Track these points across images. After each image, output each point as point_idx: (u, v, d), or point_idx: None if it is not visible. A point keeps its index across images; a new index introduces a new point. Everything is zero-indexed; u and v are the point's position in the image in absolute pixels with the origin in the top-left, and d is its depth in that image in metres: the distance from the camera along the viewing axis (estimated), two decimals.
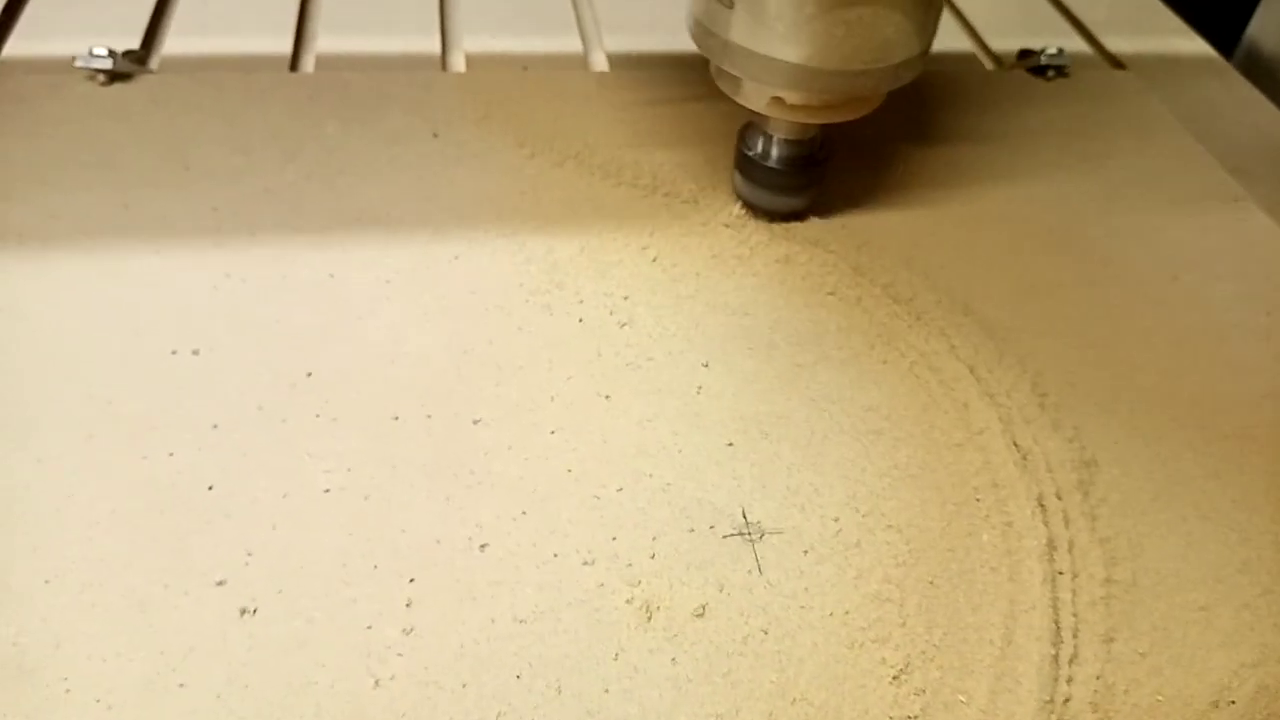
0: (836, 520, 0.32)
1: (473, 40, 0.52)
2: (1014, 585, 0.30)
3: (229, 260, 0.38)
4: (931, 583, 0.30)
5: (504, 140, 0.45)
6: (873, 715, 0.27)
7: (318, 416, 0.33)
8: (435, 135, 0.45)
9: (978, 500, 0.33)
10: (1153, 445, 0.35)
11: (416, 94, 0.47)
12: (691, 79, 0.49)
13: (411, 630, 0.28)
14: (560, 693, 0.27)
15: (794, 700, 0.27)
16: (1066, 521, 0.32)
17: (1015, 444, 0.34)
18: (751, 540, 0.31)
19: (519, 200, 0.42)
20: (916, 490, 0.33)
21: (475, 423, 0.33)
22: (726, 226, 0.42)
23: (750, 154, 0.40)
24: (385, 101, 0.46)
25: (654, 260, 0.40)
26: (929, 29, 0.36)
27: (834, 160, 0.41)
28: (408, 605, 0.28)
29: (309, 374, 0.34)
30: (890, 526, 0.32)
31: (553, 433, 0.33)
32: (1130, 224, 0.45)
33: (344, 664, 0.27)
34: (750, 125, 0.40)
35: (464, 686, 0.27)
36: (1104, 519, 0.33)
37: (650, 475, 0.33)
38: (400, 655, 0.27)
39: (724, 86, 0.38)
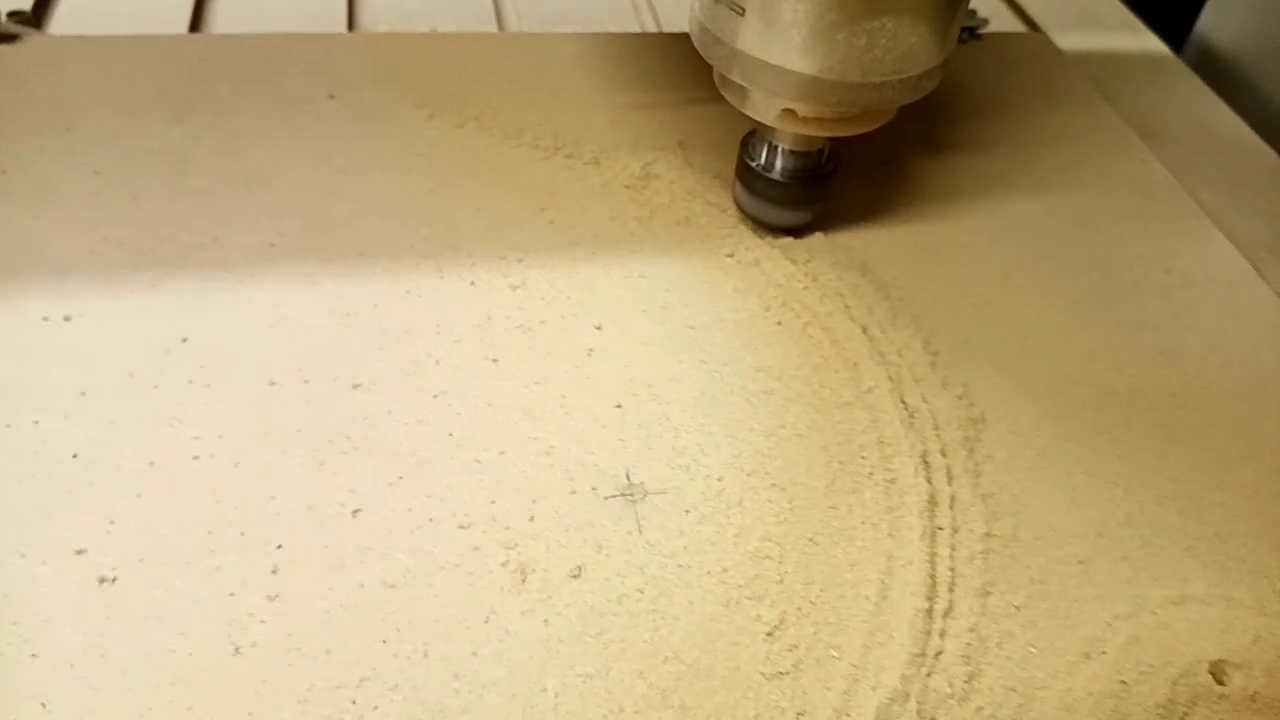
0: (720, 480, 0.32)
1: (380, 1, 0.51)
2: (893, 541, 0.30)
3: (108, 224, 0.37)
4: (812, 540, 0.30)
5: (403, 102, 0.44)
6: (744, 672, 0.27)
7: (191, 383, 0.32)
8: (332, 97, 0.44)
9: (862, 458, 0.33)
10: (1042, 402, 0.35)
11: (315, 55, 0.46)
12: (595, 40, 0.48)
13: (276, 597, 0.27)
14: (427, 656, 0.27)
15: (665, 659, 0.27)
16: (950, 478, 0.32)
17: (903, 402, 0.34)
18: (633, 501, 0.31)
19: (415, 162, 0.41)
20: (802, 449, 0.33)
21: (355, 387, 0.33)
22: (627, 188, 0.42)
23: (753, 164, 0.38)
24: (282, 63, 0.45)
25: (551, 222, 0.40)
26: (952, 36, 0.34)
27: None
28: (274, 572, 0.28)
29: (184, 339, 0.33)
30: (774, 485, 0.32)
31: (435, 397, 0.33)
32: (1035, 184, 0.45)
33: (204, 632, 0.26)
34: (754, 134, 0.38)
35: (328, 652, 0.26)
36: (988, 475, 0.33)
37: (535, 439, 0.32)
38: (263, 622, 0.27)
39: (729, 95, 0.36)
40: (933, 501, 0.32)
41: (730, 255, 0.39)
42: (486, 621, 0.28)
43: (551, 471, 0.31)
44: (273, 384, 0.33)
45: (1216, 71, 0.58)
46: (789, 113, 0.34)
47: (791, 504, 0.31)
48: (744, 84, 0.34)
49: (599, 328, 0.36)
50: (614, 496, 0.31)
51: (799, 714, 0.26)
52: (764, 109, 0.35)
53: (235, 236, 0.37)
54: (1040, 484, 0.33)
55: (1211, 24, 0.60)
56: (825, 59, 0.32)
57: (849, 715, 0.26)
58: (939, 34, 0.33)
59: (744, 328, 0.37)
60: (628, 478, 0.31)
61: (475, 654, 0.27)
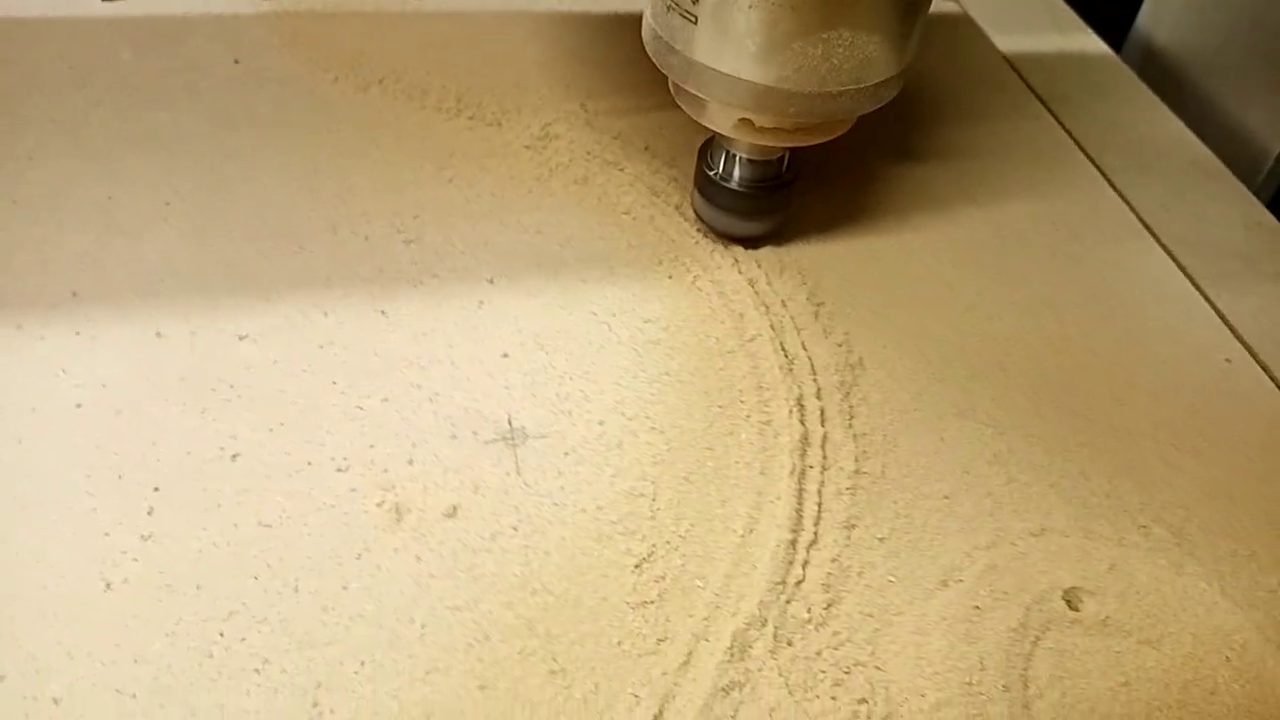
0: (601, 424, 0.32)
1: None
2: (764, 479, 0.31)
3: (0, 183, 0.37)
4: (686, 479, 0.31)
5: (308, 66, 0.45)
6: (611, 602, 0.28)
7: (78, 334, 0.33)
8: (236, 62, 0.44)
9: (741, 402, 0.33)
10: (921, 349, 0.36)
11: (221, 21, 0.46)
12: (507, 11, 0.49)
13: (150, 536, 0.28)
14: (297, 591, 0.27)
15: (534, 591, 0.28)
16: (824, 419, 0.33)
17: (784, 349, 0.35)
18: (513, 445, 0.32)
19: (317, 124, 0.42)
20: (683, 395, 0.34)
21: (241, 338, 0.33)
22: (527, 148, 0.42)
23: (711, 173, 0.37)
24: (187, 28, 0.45)
25: (450, 181, 0.40)
26: (912, 43, 0.33)
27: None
28: (149, 513, 0.28)
29: (74, 293, 0.34)
30: (654, 429, 0.33)
31: (321, 347, 0.33)
32: (931, 143, 0.46)
33: (77, 570, 0.27)
34: (712, 142, 0.37)
35: (198, 588, 0.27)
36: (861, 417, 0.34)
37: (419, 386, 0.33)
38: (136, 560, 0.27)
39: (685, 105, 0.35)
40: (805, 441, 0.33)
41: (626, 213, 0.40)
42: (359, 558, 0.28)
43: (434, 417, 0.32)
44: (159, 335, 0.33)
45: (1156, 68, 0.58)
46: (746, 122, 0.33)
47: (669, 446, 0.32)
48: (699, 94, 0.33)
49: (491, 281, 0.37)
50: (494, 441, 0.32)
51: (660, 640, 0.27)
52: (720, 119, 0.34)
53: (131, 196, 0.38)
54: (912, 424, 0.34)
55: (1151, 20, 0.60)
56: (781, 68, 0.31)
57: (707, 640, 0.27)
58: (898, 42, 0.32)
59: (635, 281, 0.37)
60: (509, 423, 0.32)
61: (345, 588, 0.28)
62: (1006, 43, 0.54)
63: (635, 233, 0.39)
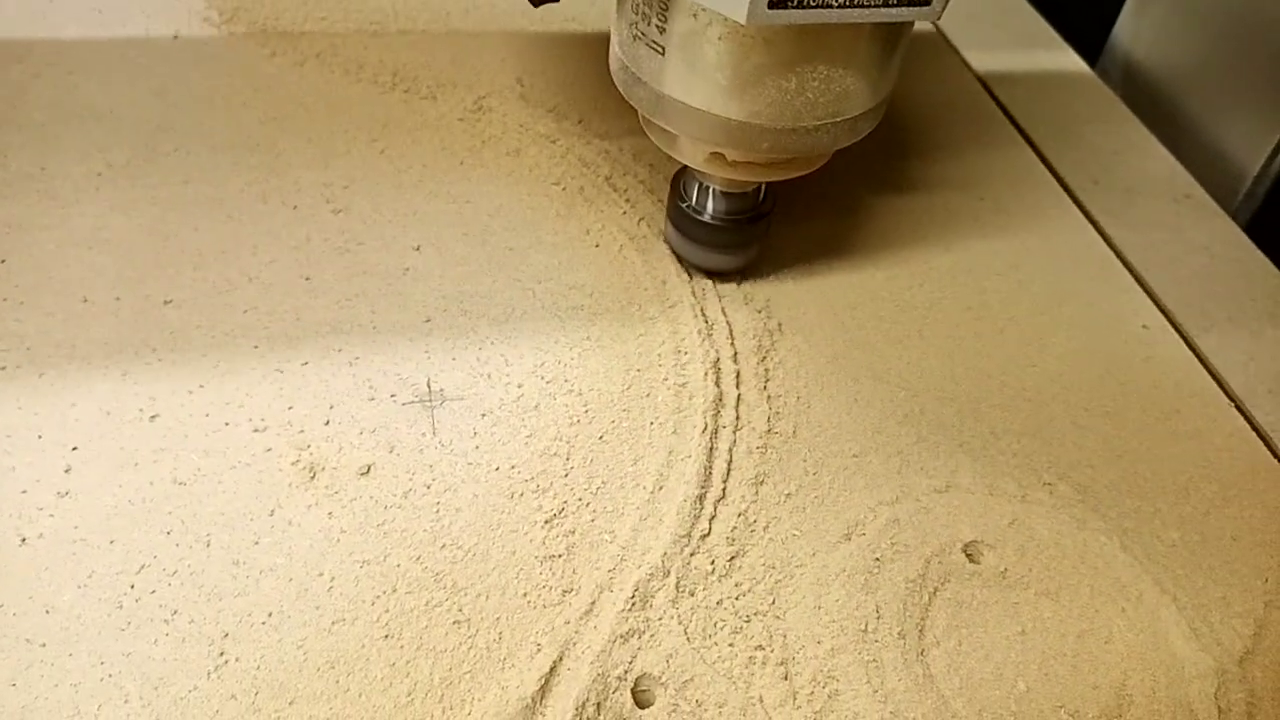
0: (520, 387, 0.33)
1: None
2: (676, 438, 0.32)
3: None
4: (600, 439, 0.32)
5: (246, 41, 0.45)
6: (519, 556, 0.29)
7: (4, 300, 0.33)
8: (175, 37, 0.45)
9: (659, 366, 0.34)
10: (839, 315, 0.37)
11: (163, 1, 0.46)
12: None
13: (67, 493, 0.28)
14: (209, 545, 0.28)
15: (444, 545, 0.29)
16: (739, 381, 0.34)
17: (704, 315, 0.36)
18: (431, 406, 0.32)
19: (250, 97, 0.42)
20: (603, 359, 0.34)
21: (166, 303, 0.34)
22: (460, 121, 0.43)
23: (684, 205, 0.36)
24: (128, 4, 0.46)
25: (381, 152, 0.41)
26: (891, 73, 0.31)
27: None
28: (66, 471, 0.29)
29: (3, 260, 0.34)
30: (572, 391, 0.33)
31: (245, 312, 0.34)
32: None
33: None
34: (685, 172, 0.36)
35: (111, 543, 0.28)
36: (777, 379, 0.34)
37: (339, 350, 0.33)
38: (52, 516, 0.28)
39: (654, 136, 0.34)
40: (719, 403, 0.33)
41: (557, 184, 0.41)
42: (271, 514, 0.29)
43: (352, 380, 0.33)
44: (85, 301, 0.33)
45: (1132, 84, 0.57)
46: (718, 156, 0.32)
47: (586, 408, 0.33)
48: (667, 128, 0.32)
49: (417, 249, 0.37)
50: (412, 403, 0.32)
51: (565, 591, 0.28)
52: (691, 153, 0.33)
53: (63, 166, 0.38)
54: (826, 387, 0.34)
55: (1128, 35, 0.58)
56: (753, 103, 0.29)
57: (610, 590, 0.28)
58: (877, 73, 0.30)
59: (561, 250, 0.38)
60: (428, 385, 0.33)
61: (257, 543, 0.28)
62: (981, 61, 0.53)
63: (564, 203, 0.40)
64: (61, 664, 0.25)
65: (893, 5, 0.27)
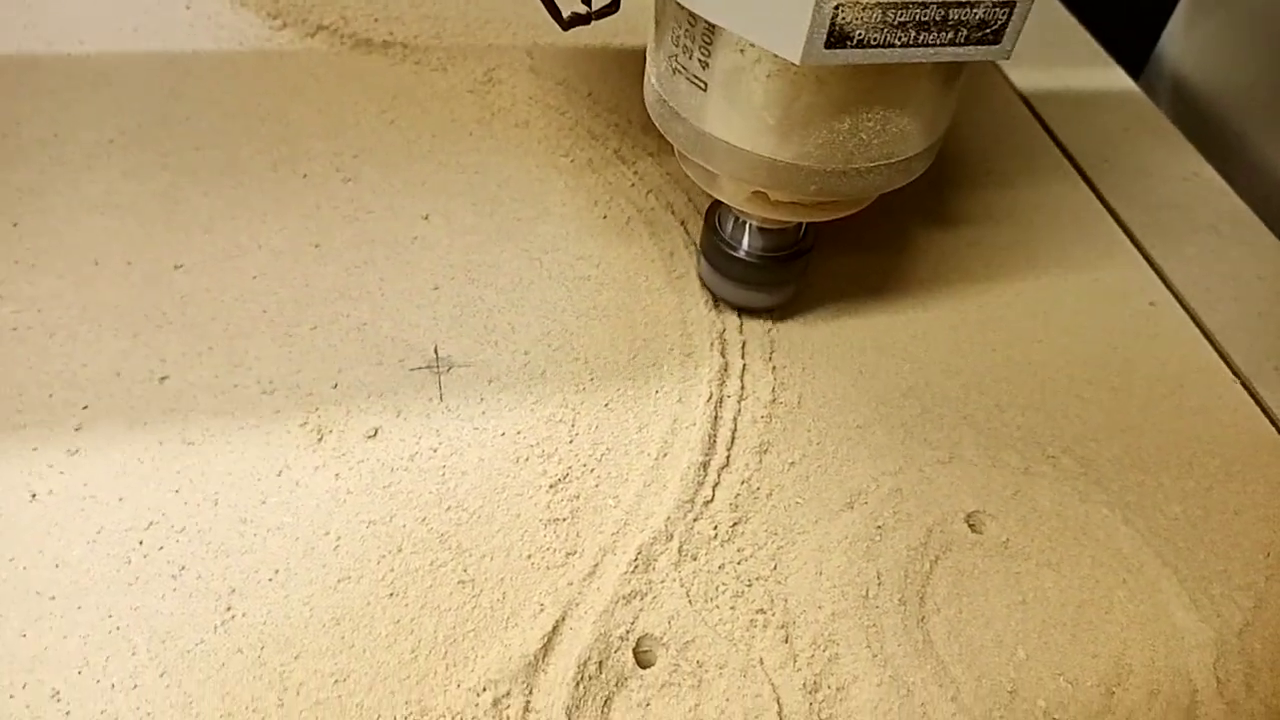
0: (527, 354, 0.33)
1: None
2: (681, 406, 0.32)
3: None
4: (606, 406, 0.32)
5: (258, 13, 0.45)
6: (524, 519, 0.29)
7: (16, 263, 0.33)
8: (188, 8, 0.45)
9: (665, 336, 0.34)
10: (844, 289, 0.37)
11: None
12: None
13: (77, 451, 0.29)
14: (217, 504, 0.28)
15: (449, 507, 0.29)
16: (744, 352, 0.34)
17: None
18: (438, 373, 0.32)
19: (262, 68, 0.42)
20: (609, 328, 0.34)
21: (176, 268, 0.34)
22: (470, 92, 0.43)
23: (718, 238, 0.33)
24: None
25: (391, 123, 0.41)
26: (948, 111, 0.29)
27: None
28: (77, 429, 0.29)
29: (15, 224, 0.34)
30: (578, 359, 0.33)
31: (255, 278, 0.34)
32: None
33: (4, 481, 0.28)
34: (722, 203, 0.33)
35: (120, 500, 0.28)
36: (782, 350, 0.34)
37: (348, 316, 0.34)
38: (62, 473, 0.28)
39: (692, 173, 0.32)
40: (725, 372, 0.33)
41: (565, 155, 0.41)
42: (279, 475, 0.29)
43: (360, 345, 0.33)
44: (96, 264, 0.34)
45: (1176, 102, 0.55)
46: (760, 195, 0.30)
47: (592, 376, 0.33)
48: (708, 167, 0.29)
49: (426, 218, 0.37)
50: (420, 368, 0.32)
51: (569, 554, 0.28)
52: (732, 192, 0.30)
53: (75, 133, 0.38)
54: (831, 359, 0.35)
55: (1171, 47, 0.56)
56: (802, 144, 0.27)
57: (614, 553, 0.28)
58: (934, 112, 0.28)
59: (569, 221, 0.38)
60: (435, 352, 0.33)
61: (264, 502, 0.28)
62: (1024, 79, 0.51)
63: (573, 175, 0.40)
64: (70, 616, 0.25)
65: (961, 44, 0.25)
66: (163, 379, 0.31)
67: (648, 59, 0.30)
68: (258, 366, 0.32)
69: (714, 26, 0.26)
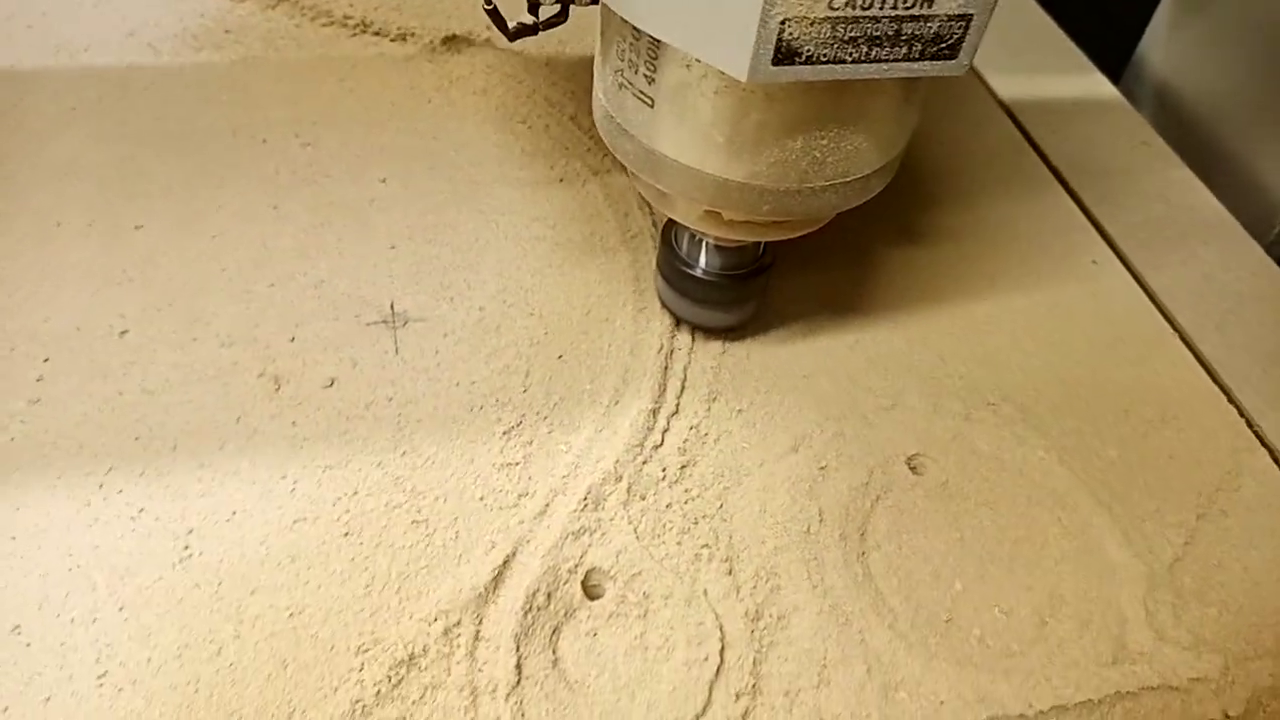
0: (482, 309, 0.34)
1: None
2: (633, 358, 0.33)
3: None
4: (560, 358, 0.33)
5: None
6: (477, 463, 0.30)
7: None
8: None
9: (619, 293, 0.35)
10: (798, 246, 0.38)
11: None
12: None
13: (38, 401, 0.29)
14: (175, 449, 0.29)
15: (405, 453, 0.30)
16: None
17: None
18: (394, 327, 0.33)
19: (221, 39, 0.43)
20: (564, 285, 0.35)
21: (136, 229, 0.35)
22: (429, 62, 0.44)
23: (675, 256, 0.32)
24: None
25: (350, 91, 0.42)
26: (909, 125, 0.28)
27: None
28: (38, 380, 0.30)
29: None
30: (533, 314, 0.34)
31: (213, 238, 0.35)
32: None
33: None
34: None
35: (80, 447, 0.28)
36: None
37: (305, 274, 0.34)
38: (23, 422, 0.29)
39: (643, 191, 0.30)
40: (676, 327, 0.34)
41: (523, 122, 0.42)
42: (237, 422, 0.30)
43: (317, 301, 0.33)
44: (58, 225, 0.34)
45: (1157, 109, 0.54)
46: (713, 214, 0.28)
47: (546, 330, 0.34)
48: (658, 186, 0.28)
49: (384, 181, 0.38)
50: (375, 323, 0.33)
51: (521, 495, 0.29)
52: (684, 210, 0.29)
53: (38, 103, 0.39)
54: (780, 314, 0.35)
55: (1154, 56, 0.54)
56: (753, 163, 0.26)
57: (564, 494, 0.29)
58: (891, 128, 0.27)
59: (526, 185, 0.39)
60: (391, 308, 0.34)
61: (222, 448, 0.29)
62: (1006, 86, 0.50)
63: (530, 140, 0.41)
64: (30, 555, 0.26)
65: (915, 59, 0.23)
66: (123, 333, 0.31)
67: (595, 74, 0.29)
68: (216, 322, 0.32)
69: (659, 40, 0.25)
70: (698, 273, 0.32)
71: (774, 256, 0.33)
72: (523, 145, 0.41)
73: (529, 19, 0.30)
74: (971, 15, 0.23)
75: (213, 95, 0.40)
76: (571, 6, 0.29)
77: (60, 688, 0.24)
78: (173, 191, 0.36)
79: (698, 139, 0.26)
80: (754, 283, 0.32)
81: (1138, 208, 0.43)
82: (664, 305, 0.34)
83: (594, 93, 0.29)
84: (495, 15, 0.30)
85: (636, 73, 0.26)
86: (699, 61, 0.24)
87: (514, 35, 0.30)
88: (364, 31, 0.44)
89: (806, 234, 0.30)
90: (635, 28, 0.25)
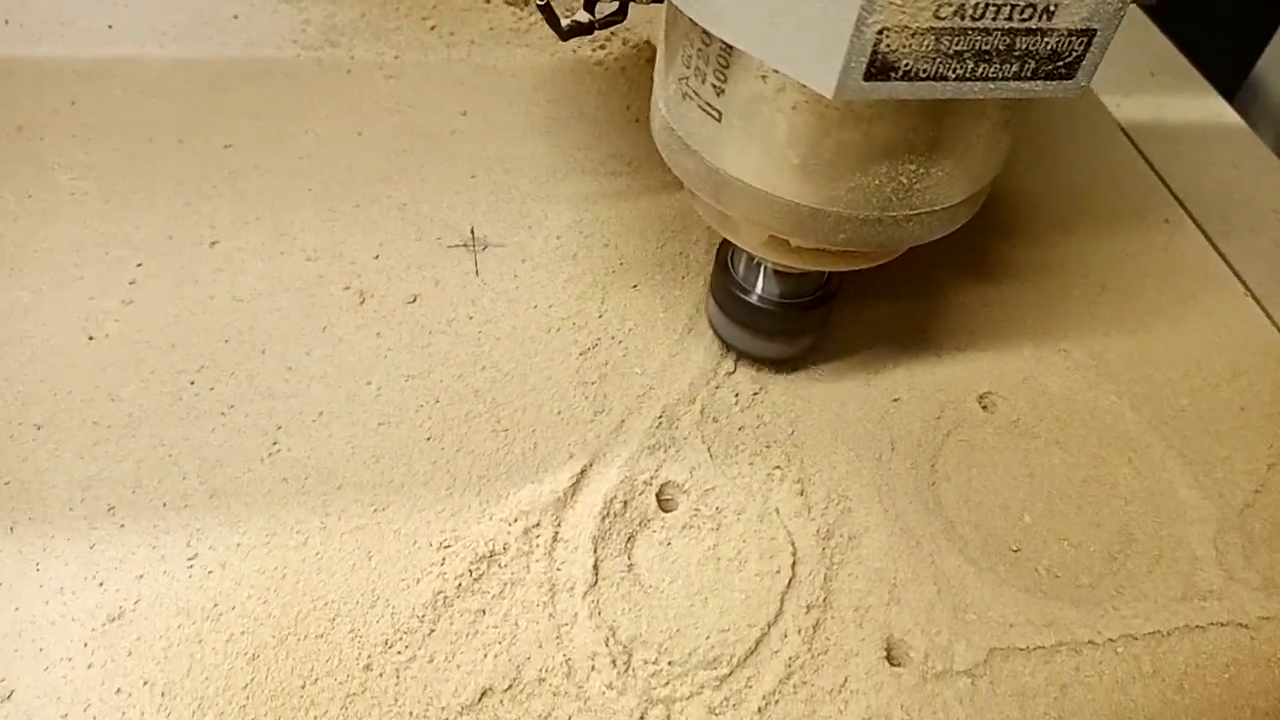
0: (559, 238, 0.35)
1: None
2: (707, 290, 0.33)
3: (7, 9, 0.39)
4: (634, 287, 0.33)
5: None
6: (554, 380, 0.30)
7: (74, 137, 0.35)
8: None
9: (694, 229, 0.36)
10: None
11: None
12: None
13: (131, 302, 0.30)
14: (264, 353, 0.30)
15: (484, 367, 0.30)
16: None
17: None
18: (474, 251, 0.34)
19: None
20: (640, 220, 0.36)
21: (226, 147, 0.35)
22: (509, 4, 0.44)
23: (729, 280, 0.29)
24: None
25: (432, 28, 0.42)
26: (1002, 151, 0.25)
27: None
28: (131, 283, 0.31)
29: (72, 102, 0.36)
30: (608, 245, 0.35)
31: (301, 159, 0.36)
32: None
33: (62, 325, 0.29)
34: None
35: (173, 346, 0.29)
36: None
37: (389, 197, 0.35)
38: (117, 321, 0.30)
39: (703, 212, 0.28)
40: None
41: (599, 64, 0.42)
42: (323, 331, 0.31)
43: (401, 223, 0.34)
44: (151, 141, 0.35)
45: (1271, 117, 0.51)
46: (779, 241, 0.25)
47: (622, 261, 0.34)
48: (720, 208, 0.25)
49: (464, 113, 0.39)
50: (457, 246, 0.34)
51: (597, 412, 0.30)
52: (748, 236, 0.26)
53: (130, 26, 0.40)
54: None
55: (1271, 72, 0.51)
56: (831, 188, 0.23)
57: (639, 413, 0.30)
58: (986, 154, 0.24)
59: (603, 121, 0.39)
60: (471, 232, 0.34)
61: (309, 354, 0.30)
62: (1123, 109, 0.47)
63: (606, 80, 0.41)
64: (124, 444, 0.27)
65: (1026, 78, 0.20)
66: (213, 243, 0.32)
67: (655, 81, 0.26)
68: (303, 237, 0.33)
69: (732, 47, 0.22)
70: (754, 299, 0.29)
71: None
72: (599, 85, 0.41)
73: (584, 16, 0.28)
74: (1095, 30, 0.20)
75: (298, 26, 0.41)
76: (631, 5, 0.28)
77: (152, 567, 0.25)
78: (263, 114, 0.37)
79: (769, 159, 0.23)
80: (815, 313, 0.30)
81: (1216, 188, 0.42)
82: (714, 331, 0.32)
83: (653, 101, 0.26)
84: (548, 12, 0.28)
85: (704, 82, 0.23)
86: (776, 73, 0.21)
87: (568, 34, 0.29)
88: None
89: (879, 266, 0.27)
90: (705, 31, 0.22)
